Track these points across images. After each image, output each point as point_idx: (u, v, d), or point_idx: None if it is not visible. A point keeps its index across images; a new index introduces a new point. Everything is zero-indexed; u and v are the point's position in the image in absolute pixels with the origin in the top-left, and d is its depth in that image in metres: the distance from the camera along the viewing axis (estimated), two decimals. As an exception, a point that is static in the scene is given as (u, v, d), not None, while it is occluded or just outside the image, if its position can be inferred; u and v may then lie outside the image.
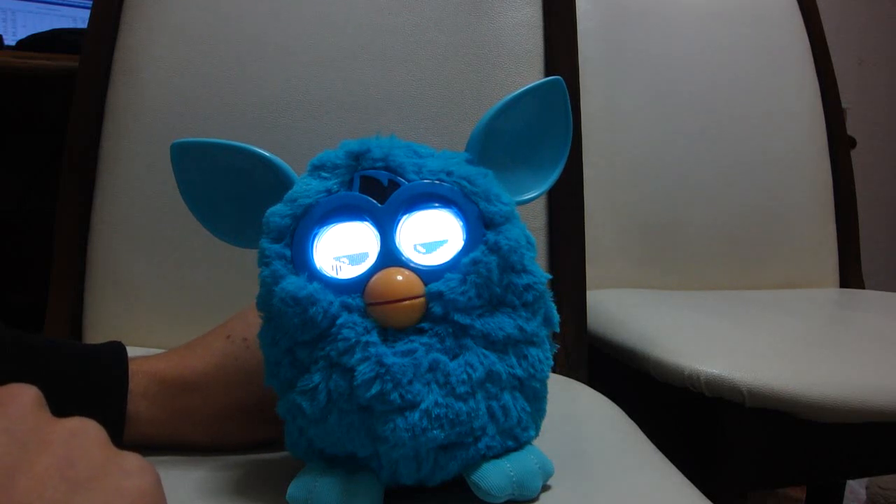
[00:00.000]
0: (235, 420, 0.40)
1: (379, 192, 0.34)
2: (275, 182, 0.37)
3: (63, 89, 0.68)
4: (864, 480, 1.23)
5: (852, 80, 1.85)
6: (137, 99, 0.65)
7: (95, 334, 0.64)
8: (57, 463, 0.19)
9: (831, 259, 1.01)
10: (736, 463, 0.61)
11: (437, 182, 0.35)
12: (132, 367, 0.39)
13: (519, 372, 0.33)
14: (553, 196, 0.66)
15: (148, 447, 0.38)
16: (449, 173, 0.35)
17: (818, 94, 1.04)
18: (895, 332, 0.72)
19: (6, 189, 1.14)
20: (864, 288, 1.00)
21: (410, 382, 0.31)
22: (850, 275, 1.01)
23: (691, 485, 0.39)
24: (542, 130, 0.40)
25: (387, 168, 0.35)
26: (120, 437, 0.38)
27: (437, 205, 0.34)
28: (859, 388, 0.57)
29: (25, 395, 0.21)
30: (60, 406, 0.36)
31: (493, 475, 0.32)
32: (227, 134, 0.64)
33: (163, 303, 0.64)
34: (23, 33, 1.07)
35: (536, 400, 0.35)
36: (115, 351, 0.39)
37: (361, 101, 0.66)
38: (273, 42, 0.66)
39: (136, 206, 0.64)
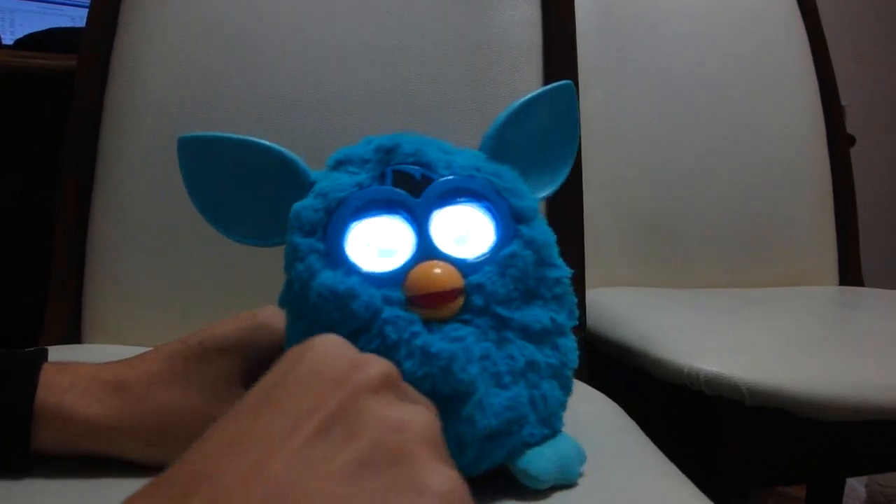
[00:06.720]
0: (175, 416, 0.37)
1: (411, 186, 0.34)
2: (287, 177, 0.36)
3: (61, 89, 0.68)
4: (864, 478, 1.23)
5: (851, 78, 1.85)
6: (136, 98, 0.65)
7: (95, 334, 0.63)
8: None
9: (830, 257, 1.01)
10: (736, 461, 0.61)
11: (469, 177, 0.35)
12: (73, 366, 0.37)
13: (554, 361, 0.34)
14: (553, 195, 0.66)
15: (92, 455, 0.36)
16: (478, 169, 0.36)
17: (817, 92, 1.04)
18: (894, 329, 0.72)
19: (5, 189, 1.13)
20: (863, 285, 1.00)
21: (463, 369, 0.31)
22: (850, 272, 1.01)
23: (691, 483, 0.39)
24: (551, 132, 0.41)
25: (418, 163, 0.35)
26: (27, 434, 0.35)
27: (469, 199, 0.35)
28: (859, 385, 0.57)
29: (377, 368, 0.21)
30: None
31: (539, 461, 0.34)
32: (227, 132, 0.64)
33: (163, 303, 0.64)
34: (20, 32, 1.07)
35: (566, 389, 0.36)
36: (32, 355, 0.37)
37: (359, 99, 0.66)
38: (271, 41, 0.66)
39: (136, 205, 0.64)
